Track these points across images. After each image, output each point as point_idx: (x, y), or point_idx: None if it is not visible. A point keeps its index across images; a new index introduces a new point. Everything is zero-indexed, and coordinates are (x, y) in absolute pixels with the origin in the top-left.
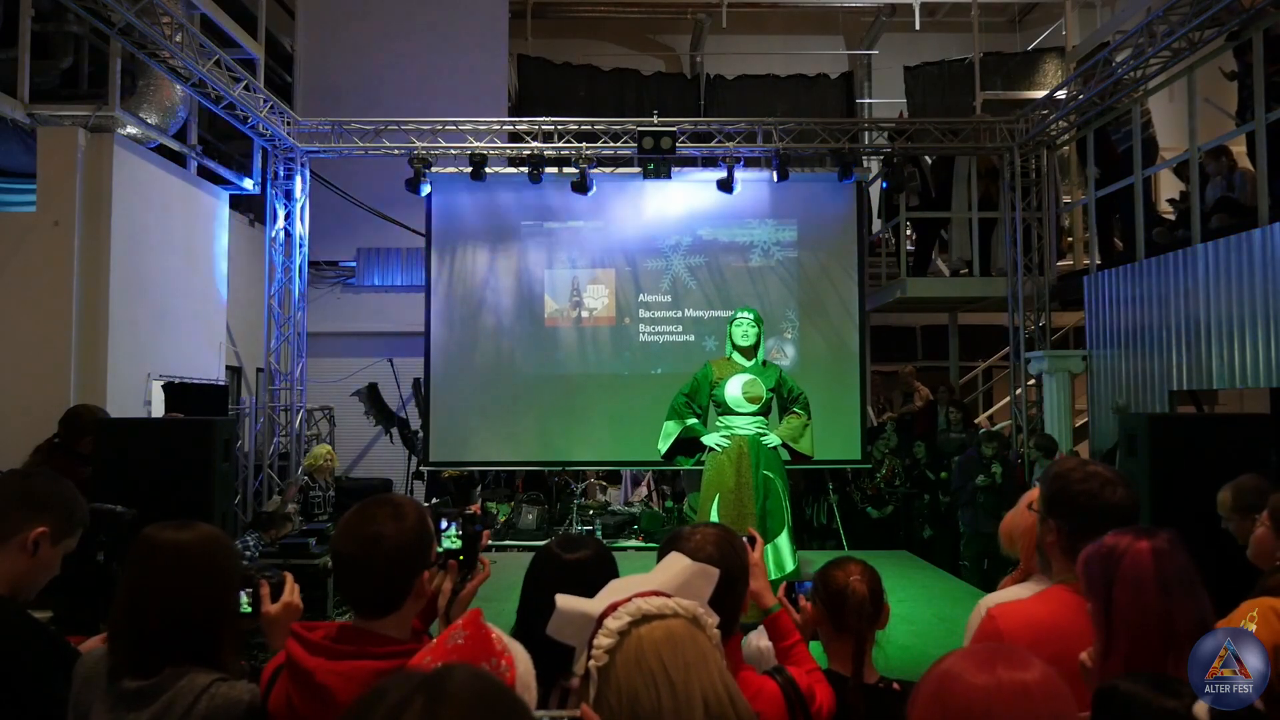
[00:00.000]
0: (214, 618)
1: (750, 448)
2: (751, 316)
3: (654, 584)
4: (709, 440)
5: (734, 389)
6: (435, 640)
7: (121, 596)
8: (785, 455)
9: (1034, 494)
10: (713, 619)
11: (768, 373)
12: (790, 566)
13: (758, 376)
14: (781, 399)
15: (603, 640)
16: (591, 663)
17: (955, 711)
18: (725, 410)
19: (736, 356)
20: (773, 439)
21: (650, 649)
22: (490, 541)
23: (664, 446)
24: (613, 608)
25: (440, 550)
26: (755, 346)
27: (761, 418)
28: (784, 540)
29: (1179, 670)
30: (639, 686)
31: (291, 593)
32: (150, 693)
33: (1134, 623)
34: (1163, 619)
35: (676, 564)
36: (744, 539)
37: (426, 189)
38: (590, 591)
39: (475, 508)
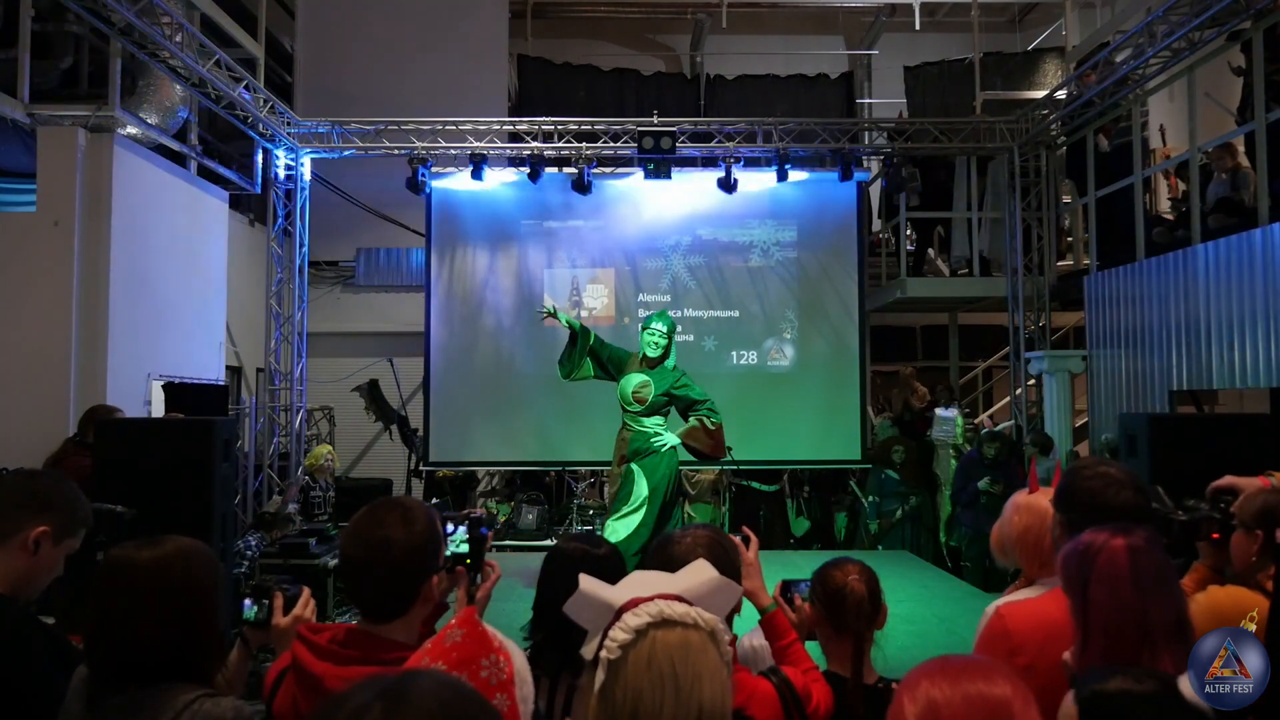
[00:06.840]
0: (189, 633)
1: (630, 438)
2: (665, 328)
3: (678, 588)
4: (562, 318)
5: (627, 387)
6: (432, 639)
7: (88, 617)
8: (684, 455)
9: (1019, 499)
10: (729, 636)
11: (662, 376)
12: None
13: (651, 379)
14: (679, 403)
15: (619, 634)
16: (604, 653)
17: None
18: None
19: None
20: (670, 439)
21: (663, 652)
22: (491, 542)
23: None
24: (634, 603)
25: (448, 555)
26: (661, 359)
27: (661, 418)
28: (619, 529)
29: (1154, 666)
30: (645, 686)
31: (305, 608)
32: (129, 709)
33: (1110, 619)
34: (1138, 615)
35: (703, 573)
36: (739, 538)
37: (426, 189)
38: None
39: (482, 510)
